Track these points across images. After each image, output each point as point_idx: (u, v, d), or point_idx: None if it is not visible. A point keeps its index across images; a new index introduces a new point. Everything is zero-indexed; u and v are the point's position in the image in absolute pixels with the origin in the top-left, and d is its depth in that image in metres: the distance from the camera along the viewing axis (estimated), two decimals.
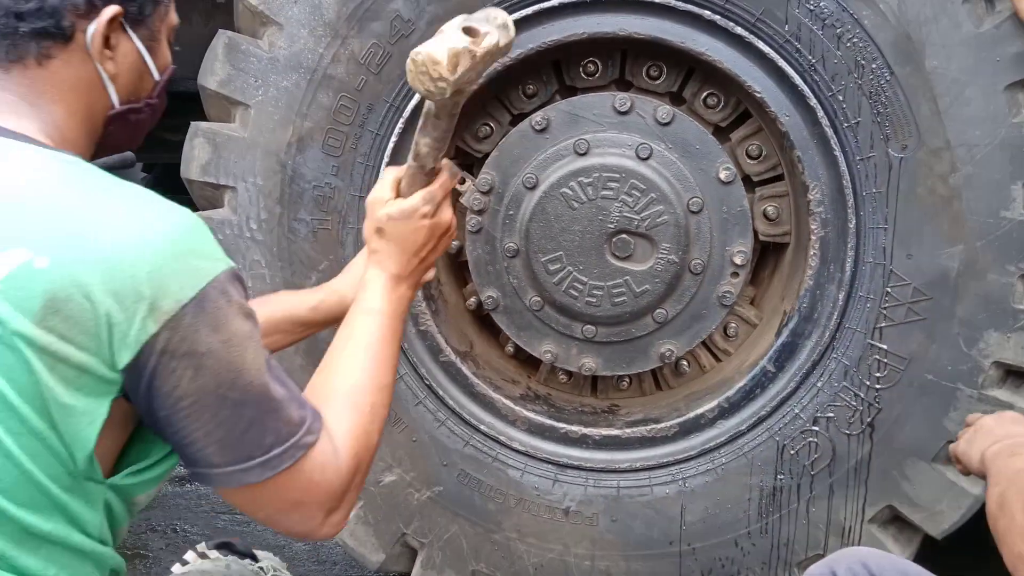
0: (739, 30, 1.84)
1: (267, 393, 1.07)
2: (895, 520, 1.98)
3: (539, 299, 2.04)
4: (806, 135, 1.88)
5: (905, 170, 1.84)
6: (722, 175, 1.98)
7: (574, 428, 2.07)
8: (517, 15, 1.87)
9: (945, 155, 1.81)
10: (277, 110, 1.93)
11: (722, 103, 2.02)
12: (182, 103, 1.97)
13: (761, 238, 2.06)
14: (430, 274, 1.41)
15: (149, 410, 1.05)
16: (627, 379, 2.18)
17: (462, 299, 2.20)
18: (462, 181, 2.07)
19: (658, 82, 2.02)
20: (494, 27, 1.25)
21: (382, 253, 1.32)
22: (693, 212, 1.97)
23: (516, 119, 2.06)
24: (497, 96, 2.05)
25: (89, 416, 1.02)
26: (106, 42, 1.14)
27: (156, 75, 1.21)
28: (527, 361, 2.19)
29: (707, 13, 1.85)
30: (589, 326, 2.04)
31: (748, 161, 2.04)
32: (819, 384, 1.95)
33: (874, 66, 1.80)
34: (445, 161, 1.35)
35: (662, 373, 2.19)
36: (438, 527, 2.08)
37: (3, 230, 1.01)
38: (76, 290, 0.99)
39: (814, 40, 1.82)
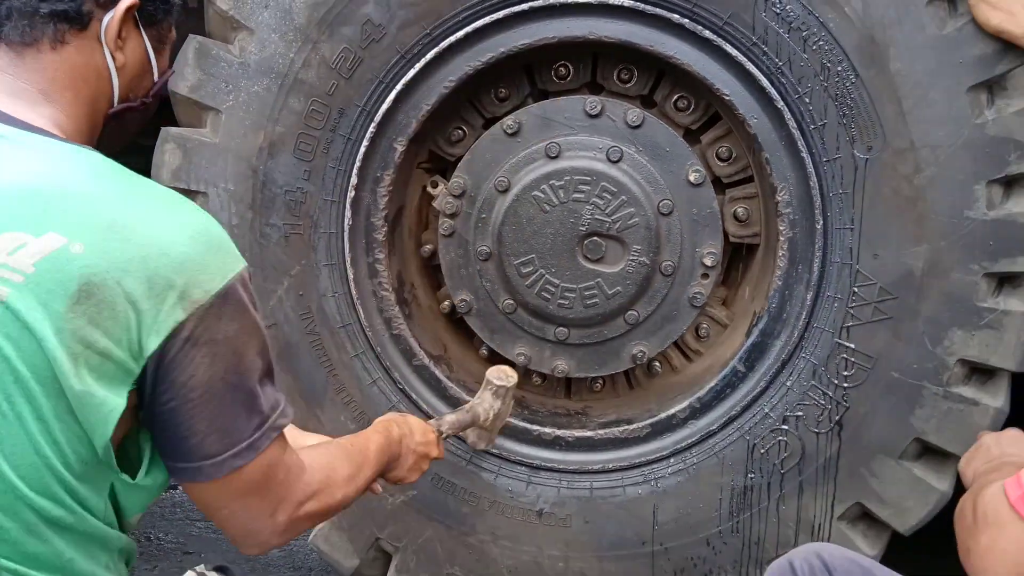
0: (707, 33, 1.86)
1: (261, 374, 1.16)
2: (864, 517, 2.01)
3: (512, 302, 2.05)
4: (774, 137, 1.90)
5: (871, 171, 1.86)
6: (692, 177, 2.00)
7: (547, 430, 2.07)
8: (488, 19, 1.89)
9: (909, 156, 1.84)
10: (248, 115, 1.92)
11: (692, 106, 2.04)
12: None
13: (732, 239, 2.08)
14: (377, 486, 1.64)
15: (156, 403, 1.10)
16: (600, 381, 2.19)
17: (436, 303, 2.20)
18: (435, 185, 2.08)
19: (629, 85, 2.04)
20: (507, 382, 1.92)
21: (402, 438, 1.60)
22: (663, 214, 1.99)
23: (488, 123, 2.07)
24: (470, 100, 2.06)
25: (109, 405, 1.06)
26: (118, 34, 1.20)
27: (156, 75, 1.28)
28: (501, 364, 2.19)
29: (675, 16, 1.87)
30: (562, 328, 2.05)
31: (718, 163, 2.06)
32: (788, 383, 1.97)
33: (840, 69, 1.83)
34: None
35: (635, 374, 2.20)
36: (412, 531, 2.08)
37: (36, 216, 1.05)
38: (110, 276, 1.04)
39: (781, 43, 1.84)
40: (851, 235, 1.89)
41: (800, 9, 1.82)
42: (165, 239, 1.08)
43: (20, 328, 1.03)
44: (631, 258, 1.99)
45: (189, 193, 1.95)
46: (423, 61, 1.90)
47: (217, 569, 1.29)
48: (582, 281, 2.01)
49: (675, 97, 2.04)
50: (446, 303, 2.16)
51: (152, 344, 1.06)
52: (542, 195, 1.99)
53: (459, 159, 2.06)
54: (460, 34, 1.89)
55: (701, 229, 2.01)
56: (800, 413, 1.97)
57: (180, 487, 1.23)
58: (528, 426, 2.07)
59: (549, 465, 2.06)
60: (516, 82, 2.05)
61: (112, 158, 1.18)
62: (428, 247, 2.15)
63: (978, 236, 1.84)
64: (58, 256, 1.04)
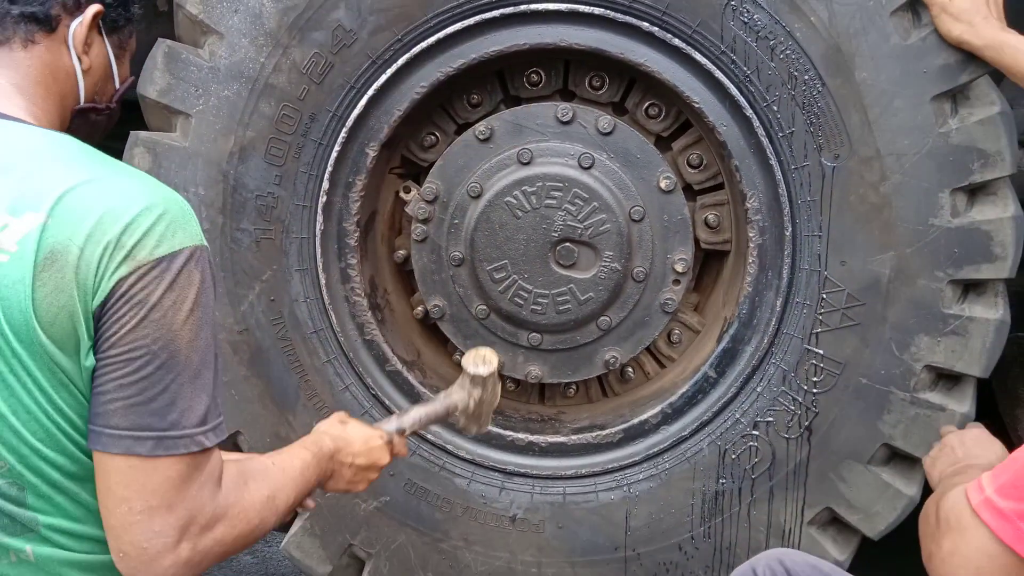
0: (676, 42, 1.88)
1: (193, 372, 1.15)
2: (833, 522, 2.02)
3: (485, 307, 2.05)
4: (743, 145, 1.92)
5: (838, 179, 1.88)
6: (663, 184, 2.01)
7: (521, 436, 2.08)
8: (460, 25, 1.89)
9: (875, 164, 1.86)
10: (218, 119, 1.92)
11: (663, 113, 2.06)
12: (122, 112, 1.95)
13: (703, 246, 2.10)
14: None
15: (96, 359, 1.13)
16: (574, 386, 2.19)
17: (409, 308, 2.20)
18: (408, 190, 2.08)
19: (601, 92, 2.05)
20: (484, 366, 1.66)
21: (335, 452, 1.49)
22: (635, 220, 2.00)
23: (461, 128, 2.08)
24: (442, 105, 2.06)
25: (87, 366, 1.12)
26: (84, 39, 1.30)
27: (117, 83, 1.38)
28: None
29: (645, 25, 1.88)
30: (535, 334, 2.06)
31: (689, 170, 2.07)
32: (759, 389, 1.98)
33: (806, 77, 1.85)
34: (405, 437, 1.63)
35: (608, 380, 2.21)
36: (385, 537, 2.07)
37: (13, 197, 1.13)
38: (73, 243, 1.11)
39: (749, 52, 1.86)
40: (819, 242, 1.91)
41: (767, 18, 1.84)
42: (123, 208, 1.14)
43: (9, 305, 1.11)
44: (603, 264, 2.00)
45: None
46: (395, 67, 1.90)
47: None
48: (555, 287, 2.01)
49: (646, 104, 2.05)
50: (419, 308, 2.16)
51: (99, 298, 1.12)
52: (514, 201, 2.00)
53: (432, 164, 2.06)
54: (432, 40, 1.90)
55: (672, 235, 2.02)
56: (770, 418, 1.98)
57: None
58: (501, 432, 2.07)
59: (522, 471, 2.06)
60: (488, 88, 2.06)
61: None
62: (401, 252, 2.15)
63: (943, 243, 1.86)
64: (34, 232, 1.12)
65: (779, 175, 1.90)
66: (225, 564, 2.70)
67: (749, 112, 1.88)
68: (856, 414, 1.94)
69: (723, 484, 2.01)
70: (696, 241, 2.06)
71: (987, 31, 1.78)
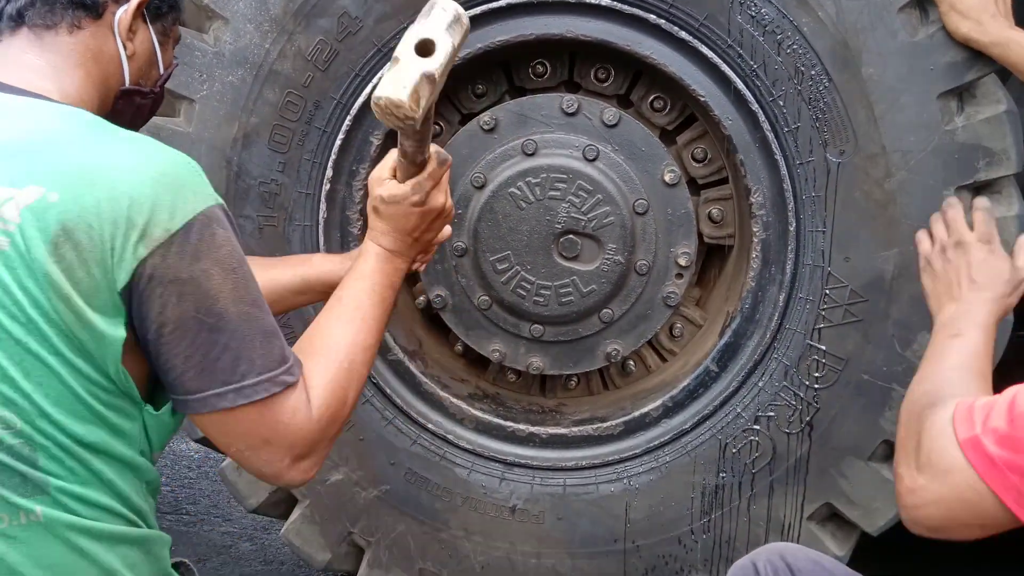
0: (683, 34, 1.87)
1: (245, 323, 1.17)
2: (833, 517, 2.03)
3: (487, 298, 2.05)
4: (748, 139, 1.91)
5: (843, 175, 1.88)
6: (667, 177, 2.01)
7: (521, 427, 2.08)
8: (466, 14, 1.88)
9: (881, 160, 1.86)
10: (222, 105, 1.91)
11: (668, 106, 2.05)
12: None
13: (706, 240, 2.09)
14: (446, 231, 1.53)
15: (142, 336, 1.16)
16: (575, 378, 2.20)
17: (411, 298, 2.20)
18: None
19: (606, 84, 2.05)
20: (445, 29, 1.22)
21: (377, 230, 1.43)
22: (639, 213, 2.00)
23: (465, 119, 2.07)
24: (446, 95, 2.05)
25: (109, 336, 1.14)
26: (129, 26, 1.33)
27: (162, 69, 1.40)
28: (476, 360, 2.19)
29: (652, 17, 1.87)
30: (537, 325, 2.06)
31: (693, 164, 2.07)
32: (760, 384, 1.98)
33: (813, 72, 1.84)
34: (433, 149, 1.40)
35: (609, 372, 2.21)
36: (385, 526, 2.08)
37: (19, 171, 1.14)
38: (83, 220, 1.12)
39: (755, 46, 1.85)
40: (823, 238, 1.90)
41: (775, 12, 1.83)
42: (129, 181, 1.14)
43: (22, 274, 1.12)
44: (606, 257, 2.00)
45: None
46: None
47: (176, 566, 1.28)
48: (557, 279, 2.01)
49: (651, 97, 2.05)
50: (421, 298, 2.16)
51: (121, 281, 1.13)
52: (518, 192, 1.99)
53: None
54: None
55: (676, 229, 2.02)
56: (772, 413, 1.98)
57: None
58: (502, 422, 2.07)
59: (522, 462, 2.06)
60: (493, 79, 2.05)
61: None
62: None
63: None
64: (37, 206, 1.12)
65: (784, 170, 1.90)
66: (224, 552, 2.71)
67: (755, 106, 1.88)
68: (857, 410, 1.94)
69: (723, 478, 2.01)
70: (699, 235, 2.06)
71: (995, 29, 1.77)
